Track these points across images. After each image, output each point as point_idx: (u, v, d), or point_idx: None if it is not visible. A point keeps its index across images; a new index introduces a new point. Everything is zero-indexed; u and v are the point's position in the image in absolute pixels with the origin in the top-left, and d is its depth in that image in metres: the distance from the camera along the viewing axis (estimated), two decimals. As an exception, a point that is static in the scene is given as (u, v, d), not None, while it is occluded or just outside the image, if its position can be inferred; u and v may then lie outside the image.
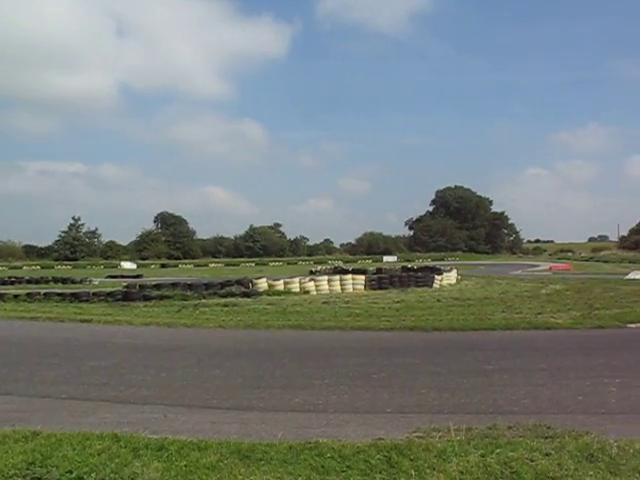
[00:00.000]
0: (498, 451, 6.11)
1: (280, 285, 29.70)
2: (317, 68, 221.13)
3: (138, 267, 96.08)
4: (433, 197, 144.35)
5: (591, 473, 5.53)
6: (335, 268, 53.33)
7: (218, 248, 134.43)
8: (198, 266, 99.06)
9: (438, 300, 24.69)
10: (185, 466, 5.89)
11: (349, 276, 33.33)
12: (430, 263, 69.23)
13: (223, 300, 24.84)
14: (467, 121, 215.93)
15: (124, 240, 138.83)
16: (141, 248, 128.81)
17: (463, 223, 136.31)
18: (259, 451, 6.30)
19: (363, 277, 33.48)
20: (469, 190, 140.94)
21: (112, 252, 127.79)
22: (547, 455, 6.00)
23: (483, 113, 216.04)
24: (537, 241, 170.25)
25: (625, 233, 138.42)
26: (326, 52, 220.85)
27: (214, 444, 6.55)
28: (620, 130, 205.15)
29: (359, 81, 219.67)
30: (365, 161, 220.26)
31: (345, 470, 5.78)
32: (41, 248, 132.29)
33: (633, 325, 17.22)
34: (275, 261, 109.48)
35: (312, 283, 30.64)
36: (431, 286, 32.34)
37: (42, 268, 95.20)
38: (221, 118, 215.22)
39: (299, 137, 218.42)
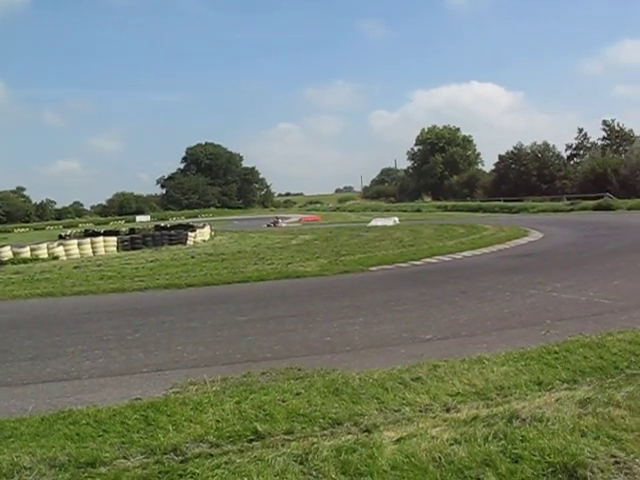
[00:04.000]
0: (252, 397, 6.38)
1: (26, 252, 27.95)
2: (66, 19, 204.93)
3: None
4: (184, 155, 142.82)
5: (336, 405, 6.02)
6: (86, 231, 50.99)
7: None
8: None
9: (192, 257, 24.85)
10: None
11: (100, 238, 32.41)
12: (184, 221, 68.74)
13: (-40, 273, 22.68)
14: (219, 78, 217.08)
15: None
16: None
17: (215, 179, 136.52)
18: (8, 428, 6.01)
19: (115, 239, 32.75)
20: (220, 146, 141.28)
21: None
22: (297, 394, 6.40)
23: (234, 70, 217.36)
24: (287, 194, 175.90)
25: (367, 184, 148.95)
26: (77, 2, 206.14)
27: (-46, 429, 6.11)
28: (363, 87, 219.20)
29: (110, 34, 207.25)
30: (115, 119, 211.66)
31: (102, 434, 5.70)
32: None
33: (374, 268, 18.76)
34: (20, 227, 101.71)
35: (61, 248, 29.29)
36: (185, 243, 32.56)
37: None
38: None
39: (44, 94, 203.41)
